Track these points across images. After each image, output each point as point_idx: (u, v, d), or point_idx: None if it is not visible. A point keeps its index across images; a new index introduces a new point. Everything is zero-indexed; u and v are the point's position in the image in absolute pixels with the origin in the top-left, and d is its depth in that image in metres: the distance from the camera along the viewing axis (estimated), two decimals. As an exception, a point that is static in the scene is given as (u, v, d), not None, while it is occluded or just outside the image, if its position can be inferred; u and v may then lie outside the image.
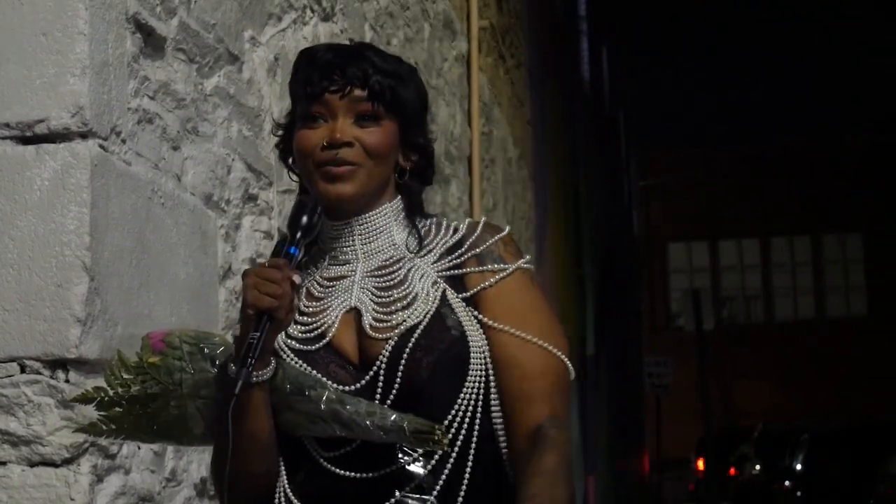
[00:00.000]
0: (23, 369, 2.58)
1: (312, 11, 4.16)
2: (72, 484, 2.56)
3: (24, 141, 2.65)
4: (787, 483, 16.62)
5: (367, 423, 1.85)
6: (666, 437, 24.50)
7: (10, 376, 2.58)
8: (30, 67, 2.65)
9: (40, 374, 2.57)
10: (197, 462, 3.10)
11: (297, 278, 1.86)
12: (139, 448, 2.80)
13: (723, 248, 35.98)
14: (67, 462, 2.56)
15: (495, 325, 1.95)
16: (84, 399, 1.96)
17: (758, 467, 20.58)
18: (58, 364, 2.57)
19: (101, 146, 2.66)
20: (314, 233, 1.94)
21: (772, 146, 36.88)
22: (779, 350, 34.10)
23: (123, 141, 2.77)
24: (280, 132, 2.10)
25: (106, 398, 1.94)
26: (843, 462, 14.97)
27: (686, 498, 26.29)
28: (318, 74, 1.99)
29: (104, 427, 1.96)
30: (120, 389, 1.93)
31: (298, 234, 1.91)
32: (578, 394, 13.07)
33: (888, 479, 12.02)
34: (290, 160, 2.08)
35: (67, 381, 2.57)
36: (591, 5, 18.45)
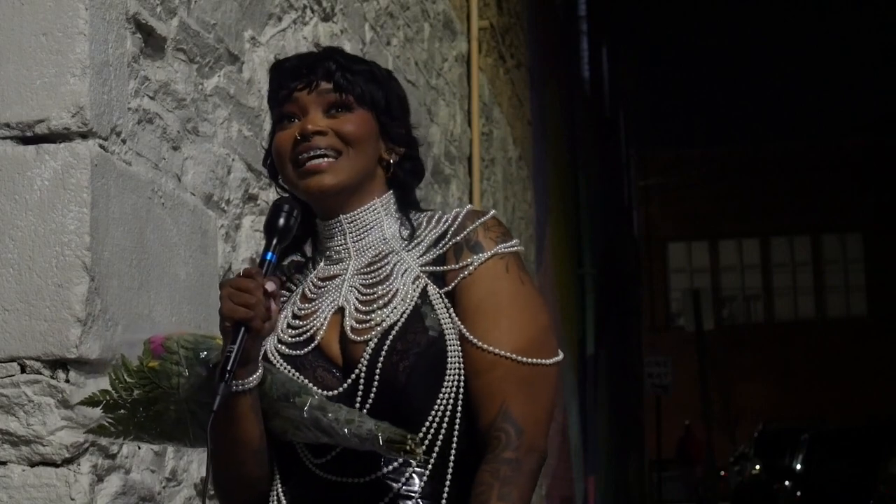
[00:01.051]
0: (23, 369, 2.59)
1: (312, 11, 4.16)
2: (72, 484, 2.56)
3: (25, 141, 2.65)
4: (787, 483, 16.63)
5: (345, 431, 1.85)
6: (666, 437, 24.49)
7: (10, 376, 2.59)
8: (30, 67, 2.65)
9: (40, 374, 2.57)
10: (197, 462, 3.10)
11: (270, 285, 1.83)
12: (139, 448, 2.80)
13: (723, 248, 35.99)
14: (67, 462, 2.57)
15: (459, 326, 1.91)
16: (91, 402, 1.98)
17: (758, 467, 20.59)
18: (58, 364, 2.57)
19: (101, 146, 2.66)
20: (291, 235, 1.93)
21: (772, 146, 36.90)
22: (779, 350, 34.11)
23: (124, 141, 2.77)
24: (268, 156, 2.09)
25: (111, 401, 1.96)
26: (843, 462, 14.97)
27: (686, 498, 26.30)
28: (287, 78, 2.00)
29: (112, 429, 1.98)
30: (124, 393, 1.95)
31: (274, 240, 1.90)
32: (578, 394, 13.08)
33: (888, 479, 12.02)
34: (280, 177, 2.05)
35: (68, 381, 2.57)
36: (591, 5, 18.44)
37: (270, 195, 3.67)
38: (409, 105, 2.10)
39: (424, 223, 2.03)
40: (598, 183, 18.48)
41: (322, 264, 2.04)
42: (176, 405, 1.93)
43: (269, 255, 1.89)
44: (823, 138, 37.62)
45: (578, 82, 16.73)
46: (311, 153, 1.95)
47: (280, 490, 1.94)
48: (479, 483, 1.86)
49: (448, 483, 1.89)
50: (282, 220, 1.91)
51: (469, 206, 2.04)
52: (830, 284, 35.67)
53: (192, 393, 1.92)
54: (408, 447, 1.83)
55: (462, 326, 1.92)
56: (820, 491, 15.19)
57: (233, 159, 3.40)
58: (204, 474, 3.13)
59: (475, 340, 1.90)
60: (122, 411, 1.96)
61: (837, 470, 14.95)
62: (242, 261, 3.45)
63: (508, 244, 1.97)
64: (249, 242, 3.52)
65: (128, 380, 1.95)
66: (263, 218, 3.58)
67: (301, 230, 2.03)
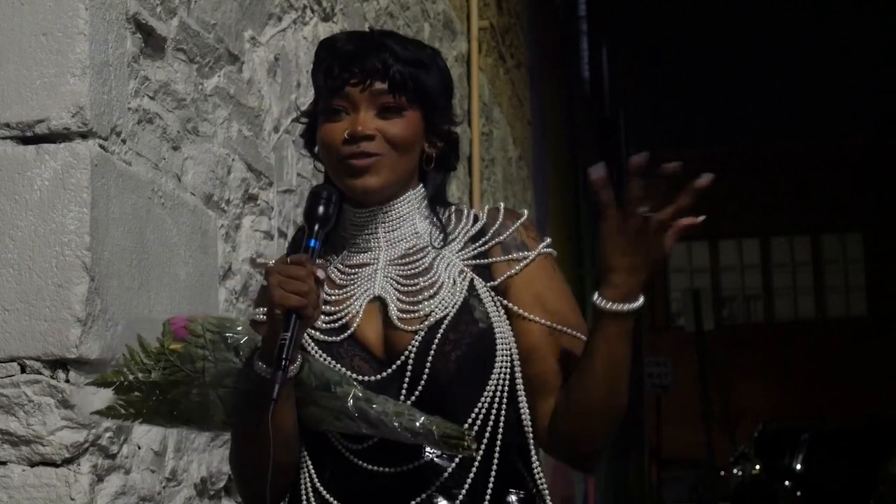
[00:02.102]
0: (23, 369, 2.58)
1: (312, 11, 4.17)
2: (72, 484, 2.56)
3: (25, 141, 2.65)
4: (787, 483, 16.63)
5: (395, 424, 1.83)
6: (666, 437, 24.50)
7: (10, 376, 2.58)
8: (30, 67, 2.65)
9: (41, 374, 2.57)
10: (197, 462, 3.10)
11: (321, 273, 1.82)
12: (139, 448, 2.80)
13: (723, 248, 36.01)
14: (68, 462, 2.56)
15: (523, 313, 1.94)
16: (103, 383, 1.94)
17: (758, 467, 20.59)
18: (58, 364, 2.57)
19: (101, 146, 2.66)
20: (331, 223, 1.92)
21: (772, 146, 36.93)
22: (779, 350, 34.13)
23: (124, 141, 2.77)
24: (304, 120, 2.07)
25: (125, 383, 1.92)
26: (843, 462, 14.98)
27: (686, 498, 26.32)
28: (338, 66, 1.96)
29: (122, 411, 1.94)
30: (140, 375, 1.91)
31: (316, 227, 1.88)
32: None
33: (888, 479, 12.02)
34: (315, 149, 2.04)
35: (68, 381, 2.57)
36: (591, 5, 18.46)
37: (270, 195, 3.67)
38: (453, 85, 2.08)
39: (454, 219, 2.03)
40: (598, 183, 18.45)
41: (346, 251, 2.02)
42: (199, 389, 1.90)
43: (313, 242, 1.87)
44: (823, 138, 37.68)
45: (578, 82, 16.74)
46: (358, 154, 1.94)
47: (313, 479, 1.93)
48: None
49: (493, 475, 1.89)
50: (321, 209, 1.89)
51: (503, 205, 2.06)
52: (830, 284, 35.69)
53: (218, 378, 1.89)
54: (465, 443, 1.82)
55: (534, 315, 1.94)
56: (820, 491, 15.20)
57: (233, 159, 3.40)
58: (204, 474, 3.13)
59: (566, 329, 1.94)
60: (136, 393, 1.91)
61: (837, 470, 14.96)
62: (242, 261, 3.45)
63: (546, 244, 2.02)
64: (249, 242, 3.52)
65: (145, 361, 1.91)
66: (263, 218, 3.60)
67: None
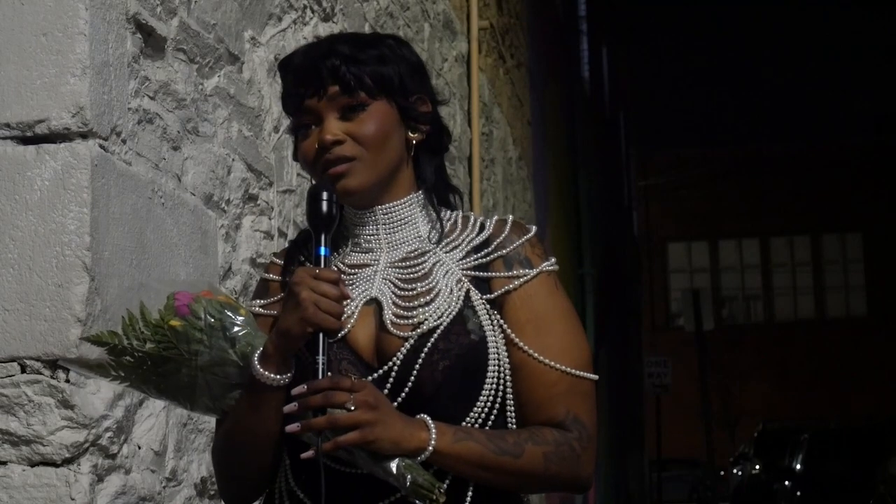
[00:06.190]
0: (23, 369, 2.58)
1: (312, 11, 4.17)
2: (72, 484, 2.56)
3: (25, 141, 2.65)
4: (787, 483, 16.63)
5: (370, 458, 1.81)
6: (666, 437, 24.52)
7: (10, 376, 2.58)
8: (30, 67, 2.65)
9: (41, 373, 2.57)
10: (197, 462, 3.10)
11: (348, 291, 1.83)
12: (139, 448, 2.80)
13: (723, 248, 36.02)
14: (68, 462, 2.56)
15: (515, 339, 1.91)
16: (98, 341, 1.92)
17: (758, 467, 20.61)
18: (58, 364, 2.57)
19: (101, 146, 2.66)
20: (336, 221, 1.90)
21: (772, 146, 36.95)
22: (779, 350, 34.15)
23: (124, 141, 2.77)
24: (296, 152, 2.07)
25: (119, 346, 1.90)
26: (843, 462, 14.98)
27: (686, 498, 26.32)
28: (293, 83, 1.98)
29: (112, 372, 1.92)
30: (135, 342, 1.89)
31: (323, 234, 1.87)
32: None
33: (888, 479, 12.02)
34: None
35: (68, 381, 2.57)
36: (591, 5, 18.46)
37: (270, 195, 3.66)
38: (425, 69, 2.06)
39: (460, 225, 2.01)
40: (598, 183, 18.49)
41: (349, 250, 2.01)
42: (189, 370, 1.88)
43: (323, 250, 1.86)
44: (823, 138, 37.70)
45: (578, 82, 16.74)
46: (333, 161, 1.93)
47: (291, 481, 1.92)
48: (540, 431, 1.88)
49: (472, 486, 1.87)
50: (324, 207, 1.87)
51: (511, 217, 2.03)
52: (830, 284, 35.72)
53: (209, 364, 1.88)
54: (434, 496, 1.78)
55: (520, 340, 1.91)
56: (820, 491, 15.20)
57: (233, 159, 3.40)
58: (205, 474, 3.13)
59: (544, 359, 1.91)
60: (128, 358, 1.90)
61: (837, 470, 14.96)
62: (242, 261, 3.45)
63: (551, 262, 1.99)
64: (249, 242, 3.52)
65: (143, 330, 1.89)
66: (263, 218, 3.60)
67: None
